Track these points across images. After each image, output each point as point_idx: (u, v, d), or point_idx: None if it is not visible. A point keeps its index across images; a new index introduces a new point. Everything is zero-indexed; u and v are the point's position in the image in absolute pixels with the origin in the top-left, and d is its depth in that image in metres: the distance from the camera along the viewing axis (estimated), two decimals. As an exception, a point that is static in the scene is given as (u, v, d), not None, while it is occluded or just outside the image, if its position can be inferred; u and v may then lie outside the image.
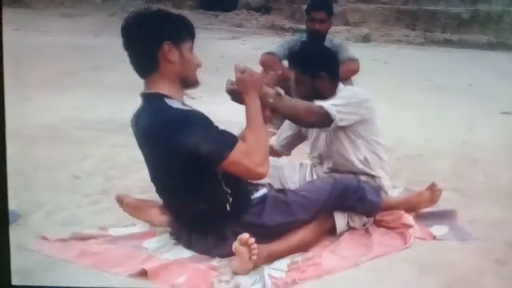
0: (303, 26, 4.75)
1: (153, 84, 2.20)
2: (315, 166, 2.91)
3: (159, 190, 2.38)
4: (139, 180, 3.04)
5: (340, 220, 2.48)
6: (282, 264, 2.22)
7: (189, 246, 2.36)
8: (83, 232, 2.44)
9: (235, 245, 2.12)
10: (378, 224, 2.65)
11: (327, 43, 4.07)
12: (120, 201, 2.59)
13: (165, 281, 2.13)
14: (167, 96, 2.16)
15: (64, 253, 2.28)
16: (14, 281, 1.89)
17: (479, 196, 3.19)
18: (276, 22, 12.50)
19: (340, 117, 2.52)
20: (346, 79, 3.72)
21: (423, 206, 2.80)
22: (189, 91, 5.62)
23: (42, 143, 3.69)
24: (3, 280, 1.61)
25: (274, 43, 4.28)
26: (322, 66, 2.71)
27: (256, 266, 2.15)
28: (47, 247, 2.33)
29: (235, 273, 2.12)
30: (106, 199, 2.85)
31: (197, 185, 2.23)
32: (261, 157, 2.18)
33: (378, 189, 2.68)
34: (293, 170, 2.89)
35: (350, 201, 2.46)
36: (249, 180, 2.32)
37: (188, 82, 2.27)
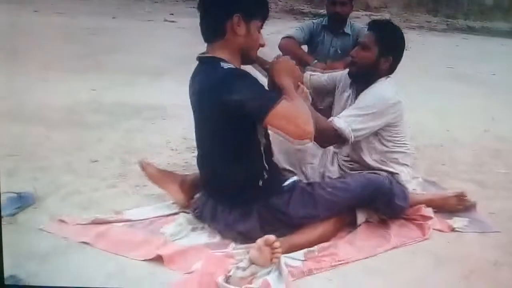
0: (323, 11, 4.68)
1: (214, 49, 2.23)
2: (336, 153, 2.88)
3: (201, 155, 2.41)
4: (157, 165, 3.03)
5: (361, 216, 2.47)
6: (299, 253, 2.20)
7: (212, 219, 2.38)
8: (102, 217, 2.44)
9: (259, 242, 2.09)
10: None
11: (347, 28, 4.00)
12: (143, 167, 2.63)
13: (181, 267, 2.13)
14: (223, 60, 2.19)
15: (81, 236, 2.29)
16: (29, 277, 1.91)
17: (500, 187, 3.14)
18: (295, 6, 12.42)
19: (356, 135, 2.53)
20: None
21: (446, 210, 2.73)
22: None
23: (59, 126, 3.70)
24: None
25: (293, 27, 4.21)
26: (396, 50, 2.70)
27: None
28: (66, 230, 2.34)
29: (253, 263, 2.09)
30: (122, 183, 2.85)
31: (240, 151, 2.26)
32: (306, 115, 2.13)
33: (407, 192, 2.61)
34: (314, 155, 2.87)
35: (378, 203, 2.45)
36: (295, 140, 2.21)
37: (246, 57, 2.28)
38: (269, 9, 2.30)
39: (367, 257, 2.26)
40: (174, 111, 4.16)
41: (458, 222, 2.62)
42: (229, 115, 2.13)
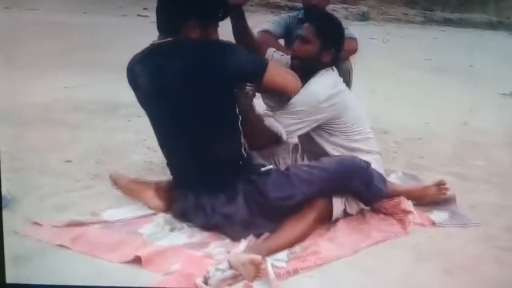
0: (299, 4, 4.64)
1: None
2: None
3: (174, 147, 2.40)
4: (131, 163, 2.99)
5: (338, 205, 2.43)
6: (282, 254, 2.18)
7: (195, 213, 2.36)
8: (78, 219, 2.38)
9: (244, 259, 2.03)
10: (377, 210, 2.61)
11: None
12: (114, 181, 2.58)
13: (160, 268, 2.09)
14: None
15: (58, 239, 2.24)
16: (9, 279, 1.86)
17: (479, 180, 3.17)
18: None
19: (289, 134, 2.54)
20: (345, 58, 3.64)
21: (427, 200, 2.74)
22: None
23: (34, 125, 3.63)
24: None
25: (269, 21, 4.18)
26: (336, 41, 2.70)
27: None
28: (41, 233, 2.29)
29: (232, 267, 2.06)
30: (99, 184, 2.79)
31: (222, 128, 2.31)
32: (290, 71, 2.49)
33: (384, 177, 2.62)
34: (285, 149, 2.84)
35: (356, 183, 2.42)
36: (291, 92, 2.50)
37: None
38: (229, 9, 2.36)
39: (350, 254, 2.25)
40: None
41: (438, 216, 2.62)
42: (224, 85, 2.22)
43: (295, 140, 2.81)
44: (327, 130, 2.62)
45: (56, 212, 2.45)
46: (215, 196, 2.32)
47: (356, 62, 3.73)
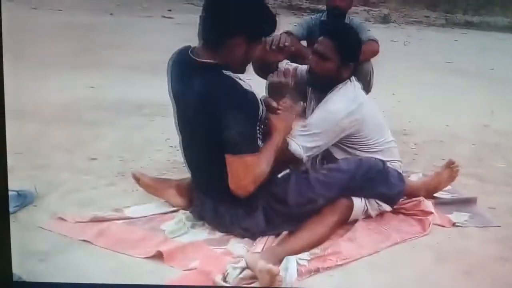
0: (321, 6, 4.66)
1: (210, 53, 2.18)
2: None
3: (191, 158, 2.40)
4: (155, 162, 3.03)
5: (358, 206, 2.42)
6: (304, 254, 2.19)
7: (214, 217, 2.37)
8: (101, 215, 2.43)
9: (261, 266, 1.99)
10: (396, 211, 2.61)
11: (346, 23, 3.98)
12: (137, 179, 2.60)
13: (180, 263, 2.13)
14: (224, 67, 2.17)
15: (81, 234, 2.29)
16: (33, 264, 1.90)
17: (499, 182, 3.15)
18: (293, 1, 12.39)
19: (308, 153, 2.45)
20: (366, 60, 3.65)
21: (444, 186, 2.77)
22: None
23: (58, 123, 3.69)
24: (4, 278, 1.61)
25: (292, 23, 4.21)
26: (355, 56, 2.60)
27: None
28: (65, 228, 2.33)
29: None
30: (121, 181, 2.84)
31: None
32: (254, 178, 2.17)
33: (401, 174, 2.60)
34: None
35: (375, 182, 2.42)
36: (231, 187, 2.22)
37: (233, 70, 2.22)
38: (276, 26, 2.25)
39: (370, 254, 2.26)
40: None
41: (458, 217, 2.62)
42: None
43: None
44: (346, 144, 2.56)
45: (79, 208, 2.50)
46: (234, 210, 2.32)
47: (377, 64, 3.74)
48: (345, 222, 2.42)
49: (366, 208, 2.46)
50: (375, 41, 3.75)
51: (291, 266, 2.09)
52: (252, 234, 2.31)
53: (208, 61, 2.17)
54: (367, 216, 2.49)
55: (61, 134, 3.48)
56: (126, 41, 7.02)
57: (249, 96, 2.15)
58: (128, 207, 2.54)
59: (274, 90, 2.41)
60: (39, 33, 6.52)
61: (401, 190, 2.56)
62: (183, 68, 2.27)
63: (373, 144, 2.58)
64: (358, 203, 2.42)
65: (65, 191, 2.69)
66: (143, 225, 2.41)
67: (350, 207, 2.39)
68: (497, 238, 2.47)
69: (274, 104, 2.36)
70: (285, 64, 2.80)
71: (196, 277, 2.05)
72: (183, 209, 2.54)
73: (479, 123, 4.33)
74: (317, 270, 2.11)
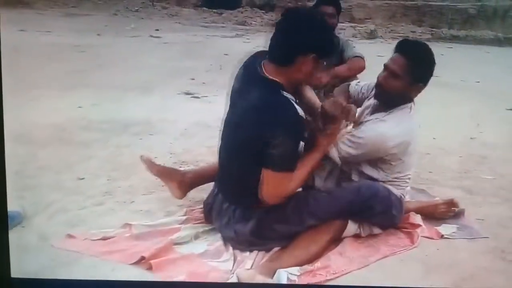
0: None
1: (274, 70, 2.22)
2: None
3: (222, 154, 2.46)
4: (143, 181, 3.02)
5: (351, 228, 2.42)
6: (293, 269, 2.19)
7: (218, 214, 2.45)
8: (110, 234, 2.46)
9: (250, 274, 2.06)
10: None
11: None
12: (145, 161, 2.76)
13: (167, 274, 2.16)
14: (282, 87, 2.21)
15: (90, 250, 2.33)
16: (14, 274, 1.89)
17: (487, 194, 3.17)
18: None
19: (344, 160, 2.47)
20: (353, 77, 3.68)
21: (437, 216, 2.74)
22: (193, 91, 5.63)
23: (47, 144, 3.68)
24: (2, 273, 1.60)
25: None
26: (426, 78, 2.49)
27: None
28: (75, 245, 2.36)
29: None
30: (109, 200, 2.83)
31: (249, 168, 2.25)
32: (287, 192, 2.26)
33: (403, 202, 2.55)
34: (325, 169, 2.69)
35: (374, 211, 2.41)
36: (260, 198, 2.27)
37: (292, 89, 2.27)
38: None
39: (360, 268, 2.26)
40: (161, 126, 4.19)
41: (447, 229, 2.63)
42: (255, 142, 2.17)
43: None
44: (376, 162, 2.50)
45: (68, 228, 2.49)
46: (233, 210, 2.38)
47: (364, 80, 3.76)
48: (337, 240, 2.42)
49: (359, 230, 2.46)
50: (361, 57, 3.79)
51: (282, 280, 2.09)
52: (239, 242, 2.35)
53: (271, 78, 2.21)
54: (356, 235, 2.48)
55: (49, 155, 3.47)
56: (114, 61, 7.03)
57: (300, 120, 2.18)
58: (136, 223, 2.55)
59: (324, 116, 2.39)
60: (27, 55, 6.52)
61: (397, 222, 2.54)
62: (249, 77, 2.32)
63: (399, 176, 2.53)
64: (352, 226, 2.42)
65: (53, 211, 2.68)
66: (152, 239, 2.43)
67: (344, 227, 2.40)
68: (485, 249, 2.48)
69: (321, 126, 2.42)
70: (355, 84, 2.83)
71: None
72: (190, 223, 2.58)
73: (466, 136, 4.37)
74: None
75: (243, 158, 2.28)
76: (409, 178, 2.60)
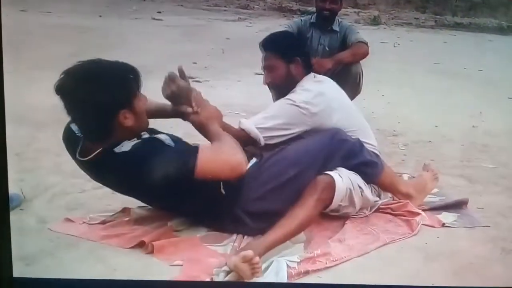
0: (311, 8, 4.68)
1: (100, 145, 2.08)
2: None
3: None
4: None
5: (340, 185, 2.30)
6: (293, 257, 2.17)
7: (208, 225, 2.39)
8: (110, 217, 2.46)
9: (235, 260, 1.98)
10: (384, 211, 2.62)
11: (336, 26, 4.00)
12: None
13: (168, 257, 2.15)
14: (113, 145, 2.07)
15: (89, 234, 2.31)
16: (19, 269, 1.89)
17: (488, 182, 3.17)
18: (283, 3, 12.43)
19: (266, 137, 2.47)
20: (356, 62, 3.66)
21: (430, 187, 2.76)
22: (194, 74, 5.59)
23: (47, 126, 3.66)
24: (4, 272, 1.60)
25: (282, 25, 4.22)
26: (295, 50, 2.68)
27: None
28: (73, 229, 2.35)
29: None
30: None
31: (186, 195, 2.15)
32: (230, 148, 2.12)
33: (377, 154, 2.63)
34: None
35: (350, 152, 2.39)
36: (234, 177, 2.15)
37: (141, 131, 2.15)
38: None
39: (359, 255, 2.25)
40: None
41: (447, 217, 2.63)
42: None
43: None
44: None
45: (67, 211, 2.48)
46: (218, 223, 2.34)
47: (367, 66, 3.75)
48: (327, 203, 2.31)
49: (349, 190, 2.37)
50: (365, 43, 3.77)
51: (281, 269, 2.07)
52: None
53: (95, 153, 2.07)
54: (351, 203, 2.42)
55: (49, 137, 3.45)
56: (115, 43, 7.00)
57: (137, 149, 2.06)
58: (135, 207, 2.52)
59: (177, 100, 2.31)
60: (28, 35, 6.49)
61: (380, 163, 2.54)
62: (80, 166, 2.22)
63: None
64: (340, 181, 2.31)
65: (53, 194, 2.67)
66: (150, 223, 2.41)
67: (331, 184, 2.28)
68: (486, 238, 2.47)
69: (188, 109, 2.28)
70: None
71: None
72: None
73: (468, 124, 4.37)
74: (306, 272, 2.10)
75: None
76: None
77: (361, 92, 3.77)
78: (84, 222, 2.40)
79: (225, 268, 2.05)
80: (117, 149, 2.04)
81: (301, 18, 4.22)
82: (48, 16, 8.86)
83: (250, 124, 2.45)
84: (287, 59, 2.62)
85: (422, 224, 2.51)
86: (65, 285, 1.87)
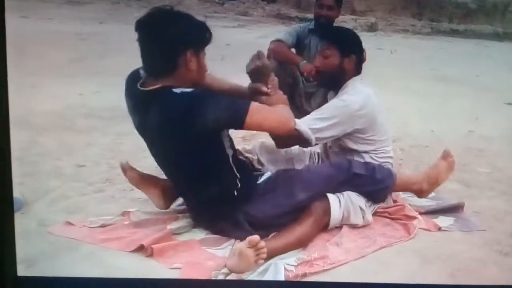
0: (310, 15, 4.72)
1: (159, 82, 2.16)
2: (323, 159, 2.90)
3: (171, 176, 2.41)
4: (143, 169, 3.03)
5: (335, 208, 2.41)
6: (290, 259, 2.19)
7: (207, 227, 2.41)
8: (109, 221, 2.47)
9: (241, 246, 2.05)
10: (381, 215, 2.64)
11: (333, 32, 4.03)
12: (124, 170, 2.57)
13: (168, 260, 2.17)
14: (173, 86, 2.14)
15: (89, 238, 2.33)
16: (20, 272, 1.90)
17: (484, 187, 3.19)
18: (282, 10, 12.47)
19: (318, 137, 2.51)
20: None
21: (444, 178, 2.74)
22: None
23: (47, 131, 3.69)
24: (9, 271, 1.61)
25: (280, 31, 4.26)
26: (354, 48, 2.73)
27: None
28: (73, 232, 2.37)
29: (231, 271, 2.07)
30: (110, 188, 2.85)
31: (210, 171, 2.26)
32: (282, 110, 2.29)
33: (385, 169, 2.63)
34: (301, 160, 2.88)
35: (359, 176, 2.45)
36: (280, 136, 2.38)
37: (196, 86, 2.22)
38: (211, 32, 2.25)
39: (356, 259, 2.27)
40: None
41: (444, 221, 2.65)
42: (203, 135, 2.13)
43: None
44: (353, 139, 2.66)
45: (68, 215, 2.50)
46: (217, 222, 2.37)
47: (364, 72, 3.77)
48: (324, 224, 2.41)
49: (346, 214, 2.45)
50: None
51: (279, 272, 2.10)
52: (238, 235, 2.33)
53: (156, 87, 2.14)
54: (352, 226, 2.49)
55: (49, 141, 3.48)
56: (116, 50, 7.01)
57: (199, 91, 2.17)
58: (134, 210, 2.55)
59: (256, 77, 2.40)
60: (29, 42, 6.51)
61: (391, 182, 2.57)
62: (137, 101, 2.27)
63: (374, 140, 2.69)
64: (336, 206, 2.41)
65: (53, 198, 2.69)
66: (149, 227, 2.43)
67: (326, 208, 2.39)
68: (482, 241, 2.49)
69: (264, 88, 2.36)
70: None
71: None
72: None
73: (464, 129, 4.38)
74: (304, 275, 2.12)
75: (197, 163, 2.24)
76: (391, 157, 2.77)
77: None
78: (84, 226, 2.42)
79: (224, 270, 2.07)
80: (176, 90, 2.13)
81: (300, 25, 4.27)
82: (48, 23, 8.87)
83: (304, 126, 2.48)
84: (344, 53, 2.67)
85: (418, 228, 2.53)
86: (68, 284, 1.89)
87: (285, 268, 2.13)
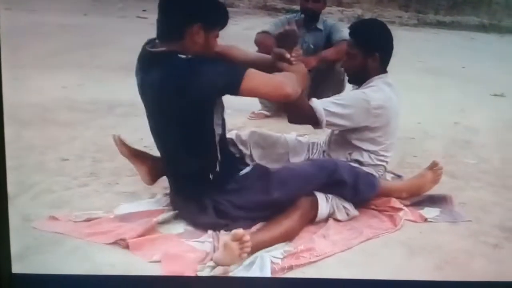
0: (296, 6, 4.70)
1: (168, 46, 2.21)
2: (324, 151, 2.90)
3: (158, 143, 2.44)
4: (128, 162, 3.01)
5: (323, 205, 2.43)
6: (276, 252, 2.19)
7: (180, 209, 2.43)
8: (95, 215, 2.45)
9: (226, 239, 2.06)
10: (367, 207, 2.64)
11: (320, 24, 4.03)
12: (116, 143, 2.65)
13: (145, 253, 2.16)
14: (179, 52, 2.19)
15: (74, 232, 2.31)
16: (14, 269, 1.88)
17: (470, 178, 3.20)
18: (268, 2, 12.42)
19: (329, 121, 2.52)
20: (340, 60, 3.68)
21: (428, 188, 2.75)
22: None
23: (30, 124, 3.65)
24: (3, 269, 1.59)
25: (267, 23, 4.23)
26: (379, 46, 2.69)
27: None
28: (58, 226, 2.34)
29: (216, 264, 2.06)
30: (94, 182, 2.82)
31: (194, 142, 2.28)
32: (285, 76, 2.28)
33: (376, 180, 2.64)
34: (298, 153, 2.88)
35: (343, 181, 2.44)
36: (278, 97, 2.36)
37: (219, 56, 2.32)
38: (229, 17, 2.29)
39: (343, 250, 2.27)
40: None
41: (430, 212, 2.65)
42: (198, 102, 2.16)
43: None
44: (360, 136, 2.66)
45: (52, 210, 2.47)
46: (187, 204, 2.39)
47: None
48: (311, 218, 2.42)
49: (332, 210, 2.47)
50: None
51: (265, 265, 2.09)
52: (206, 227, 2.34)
53: (162, 50, 2.21)
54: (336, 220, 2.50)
55: (33, 135, 3.44)
56: (100, 42, 6.96)
57: (200, 57, 2.20)
58: (119, 205, 2.54)
59: (283, 42, 2.39)
60: (12, 34, 6.43)
61: (368, 195, 2.58)
62: (141, 67, 2.32)
63: (383, 158, 2.73)
64: (323, 201, 2.43)
65: (38, 192, 2.66)
66: (136, 220, 2.41)
67: (313, 202, 2.41)
68: (468, 233, 2.50)
69: (287, 55, 2.36)
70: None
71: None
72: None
73: (450, 121, 4.40)
74: (290, 268, 2.12)
75: (184, 130, 2.26)
76: (387, 162, 2.77)
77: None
78: (69, 220, 2.39)
79: (210, 263, 2.06)
80: (181, 55, 2.18)
81: (286, 16, 4.25)
82: (32, 14, 8.77)
83: (319, 105, 2.49)
84: (366, 52, 2.65)
85: (405, 219, 2.53)
86: (63, 281, 1.87)
87: (271, 261, 2.12)
